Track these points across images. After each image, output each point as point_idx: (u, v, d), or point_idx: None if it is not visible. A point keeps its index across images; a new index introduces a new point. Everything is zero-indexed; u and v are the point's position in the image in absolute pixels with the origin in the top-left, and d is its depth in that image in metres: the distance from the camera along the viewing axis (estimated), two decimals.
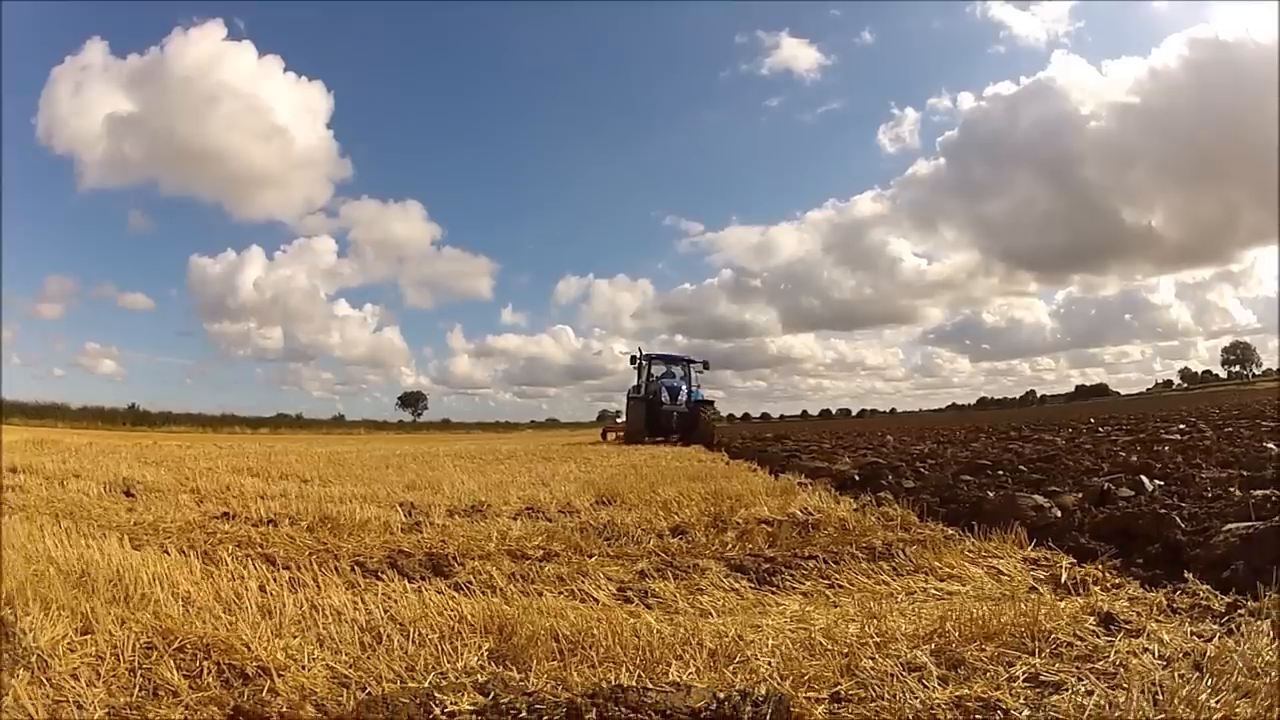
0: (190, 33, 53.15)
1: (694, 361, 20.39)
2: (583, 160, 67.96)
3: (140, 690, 1.81)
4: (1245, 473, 4.80)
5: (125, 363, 60.53)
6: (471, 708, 1.35)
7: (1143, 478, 4.80)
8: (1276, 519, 2.96)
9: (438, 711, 1.36)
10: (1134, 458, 6.69)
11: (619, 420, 21.24)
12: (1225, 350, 76.06)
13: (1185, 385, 76.08)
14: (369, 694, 1.52)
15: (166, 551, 3.14)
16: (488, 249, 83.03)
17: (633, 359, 20.38)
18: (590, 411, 56.80)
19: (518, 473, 7.58)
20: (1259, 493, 3.87)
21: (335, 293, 70.85)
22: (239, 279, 58.43)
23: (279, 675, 1.70)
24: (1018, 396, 76.85)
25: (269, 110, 57.66)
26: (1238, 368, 76.56)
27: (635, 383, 20.03)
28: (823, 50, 60.98)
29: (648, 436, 17.55)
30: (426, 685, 1.51)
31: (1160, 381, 76.48)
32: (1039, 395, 76.05)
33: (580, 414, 64.20)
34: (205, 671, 1.83)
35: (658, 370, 19.98)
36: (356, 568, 2.81)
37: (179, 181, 77.71)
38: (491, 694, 1.39)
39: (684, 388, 18.75)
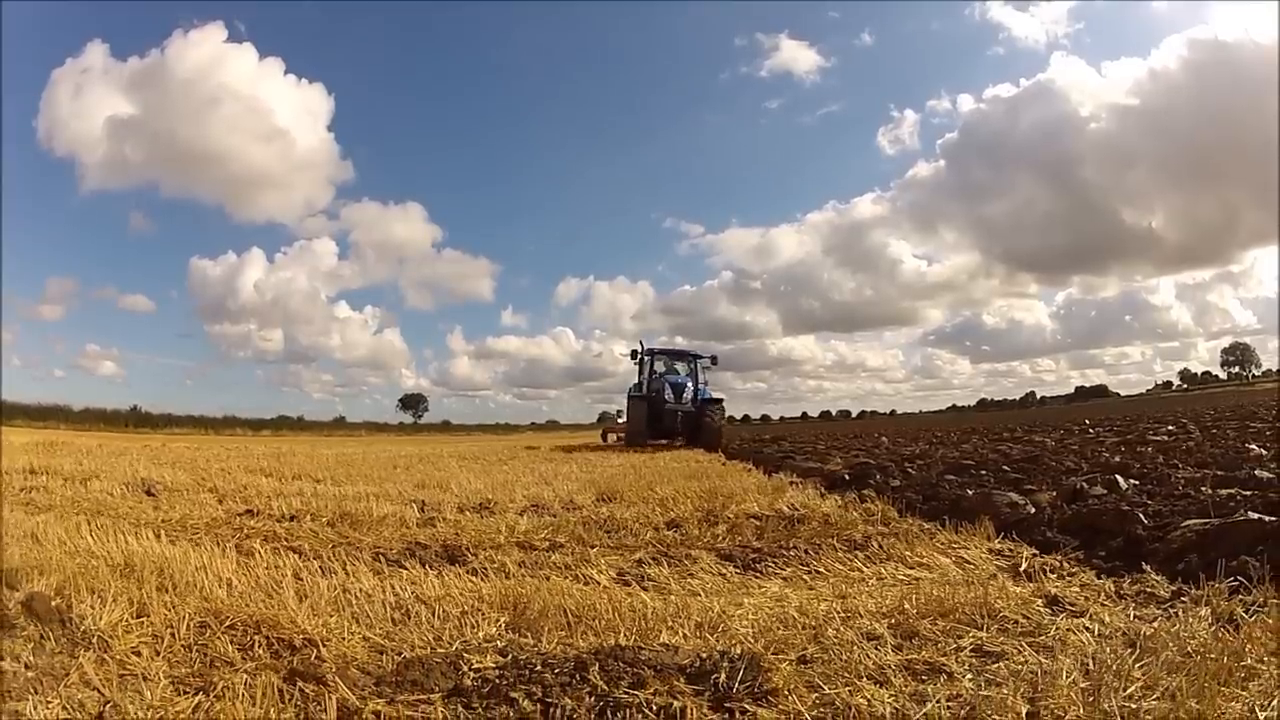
0: (190, 35, 53.34)
1: (700, 356, 18.27)
2: (583, 162, 68.23)
3: (199, 662, 2.07)
4: (1219, 472, 5.04)
5: (126, 364, 60.75)
6: (494, 665, 1.62)
7: (1118, 477, 5.05)
8: (1234, 516, 3.21)
9: (465, 668, 1.62)
10: (1116, 458, 6.95)
11: (620, 420, 19.41)
12: (1225, 351, 76.27)
13: (1185, 386, 76.24)
14: (404, 657, 1.78)
15: (201, 545, 3.41)
16: (488, 251, 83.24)
17: (633, 354, 18.23)
18: (590, 413, 56.95)
19: (521, 473, 7.85)
20: (1225, 491, 4.11)
21: (336, 294, 70.76)
22: (239, 281, 58.63)
23: (323, 645, 1.96)
24: (1017, 398, 77.04)
25: (270, 112, 57.76)
26: (1237, 369, 76.76)
27: (636, 380, 18.06)
28: (822, 52, 61.08)
29: (650, 438, 16.01)
30: (454, 649, 1.77)
31: (1160, 383, 76.65)
32: (1039, 397, 76.21)
33: (580, 416, 64.43)
34: (256, 645, 2.09)
35: (661, 366, 17.95)
36: (378, 558, 3.08)
37: (180, 183, 77.75)
38: (510, 654, 1.66)
39: (689, 385, 16.74)
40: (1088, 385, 74.37)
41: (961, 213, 69.75)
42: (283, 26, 66.75)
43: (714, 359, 18.61)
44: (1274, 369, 66.74)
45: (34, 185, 55.78)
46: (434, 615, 2.11)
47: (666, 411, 16.19)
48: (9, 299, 46.99)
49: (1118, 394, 69.54)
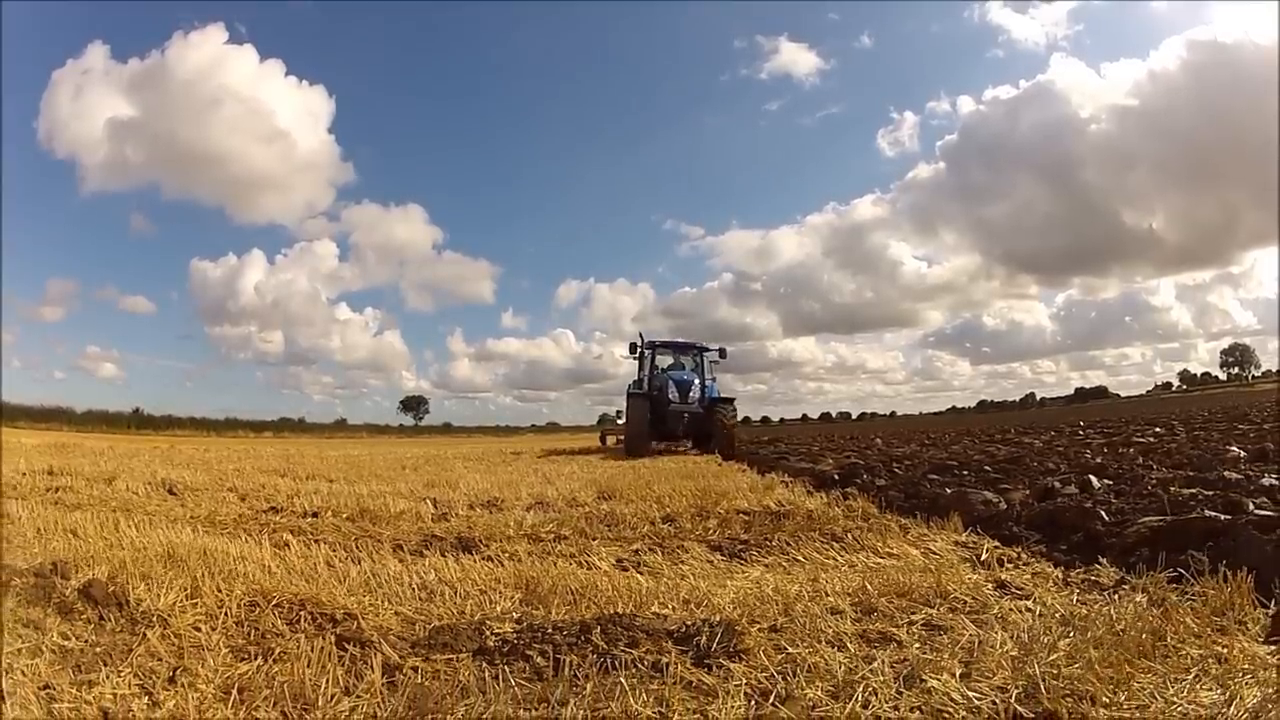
0: (191, 37, 53.41)
1: (708, 349, 16.04)
2: (583, 164, 68.49)
3: (253, 634, 2.38)
4: (1192, 473, 5.35)
5: (126, 366, 60.95)
6: (512, 630, 1.93)
7: (1091, 477, 5.36)
8: (1189, 514, 3.51)
9: (488, 633, 1.94)
10: (1097, 459, 7.25)
11: (619, 422, 17.50)
12: (1224, 352, 76.51)
13: (1184, 387, 76.41)
14: (434, 625, 2.09)
15: (236, 538, 3.72)
16: (488, 252, 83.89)
17: (632, 347, 16.11)
18: (591, 415, 57.17)
19: (525, 473, 8.18)
20: (1188, 491, 4.41)
21: (336, 296, 70.55)
22: (240, 282, 58.74)
23: (362, 618, 2.28)
24: (1017, 400, 77.21)
25: (271, 114, 57.94)
26: (1236, 369, 77.00)
27: (636, 377, 16.09)
28: (822, 54, 61.27)
29: (653, 442, 14.16)
30: (476, 619, 2.09)
31: (1160, 384, 76.81)
32: (1039, 398, 76.35)
33: (581, 418, 64.74)
34: (302, 619, 2.40)
35: (664, 361, 16.06)
36: (399, 548, 3.40)
37: (180, 185, 77.72)
38: (525, 622, 1.97)
39: (696, 381, 14.67)
40: (1088, 387, 74.56)
41: (961, 214, 69.99)
42: (283, 28, 66.98)
43: (723, 352, 16.31)
44: (1274, 370, 66.96)
45: (34, 187, 56.11)
46: (456, 594, 2.43)
47: (670, 413, 14.11)
48: (9, 300, 47.24)
49: (1117, 395, 69.74)
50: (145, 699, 1.98)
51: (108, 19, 63.98)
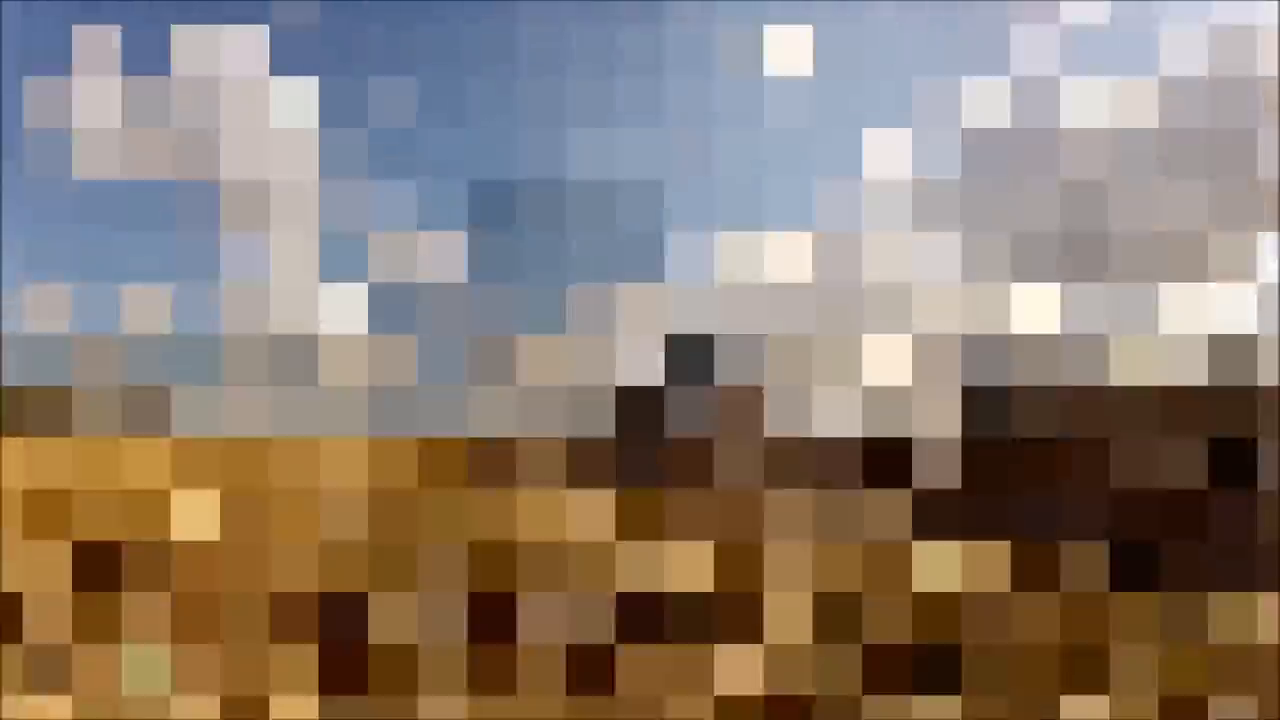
0: (191, 38, 53.35)
1: None
2: None
3: None
4: None
5: None
6: None
7: None
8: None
9: None
10: None
11: None
12: None
13: None
14: None
15: None
16: None
17: None
18: None
19: None
20: None
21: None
22: None
23: None
24: None
25: (271, 116, 57.68)
26: None
27: None
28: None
29: None
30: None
31: None
32: None
33: None
34: None
35: None
36: None
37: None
38: None
39: None
40: None
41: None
42: (284, 29, 66.29)
43: None
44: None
45: (34, 187, 55.57)
46: None
47: None
48: (9, 300, 47.01)
49: None
50: None
51: (107, 20, 63.64)
